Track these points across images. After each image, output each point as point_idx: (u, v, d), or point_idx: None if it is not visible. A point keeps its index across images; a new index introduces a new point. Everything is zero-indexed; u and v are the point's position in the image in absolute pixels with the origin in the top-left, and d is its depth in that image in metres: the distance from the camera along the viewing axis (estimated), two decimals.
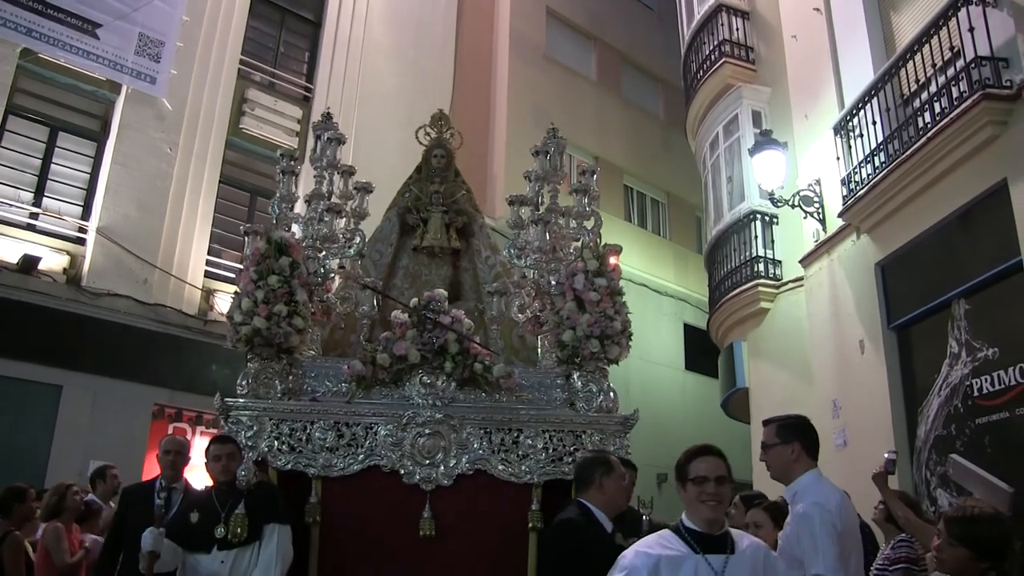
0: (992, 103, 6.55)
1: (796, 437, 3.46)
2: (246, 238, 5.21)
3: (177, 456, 5.25)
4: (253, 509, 4.26)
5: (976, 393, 7.03)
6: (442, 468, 4.71)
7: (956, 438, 7.24)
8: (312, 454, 4.70)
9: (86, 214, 10.87)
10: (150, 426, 10.62)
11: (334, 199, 5.77)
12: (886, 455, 5.20)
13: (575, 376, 5.05)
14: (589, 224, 5.60)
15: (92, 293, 10.44)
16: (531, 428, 4.81)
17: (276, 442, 4.71)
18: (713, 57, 12.11)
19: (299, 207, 5.90)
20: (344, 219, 5.76)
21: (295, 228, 5.63)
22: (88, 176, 11.09)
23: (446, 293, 5.24)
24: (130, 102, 11.33)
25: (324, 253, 5.54)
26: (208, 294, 11.64)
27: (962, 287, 7.25)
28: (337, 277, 5.71)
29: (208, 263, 11.80)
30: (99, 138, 11.31)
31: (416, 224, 6.19)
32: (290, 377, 4.99)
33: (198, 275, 11.64)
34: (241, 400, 4.78)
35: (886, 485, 5.10)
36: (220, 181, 12.18)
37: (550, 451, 4.78)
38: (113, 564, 5.01)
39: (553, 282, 5.25)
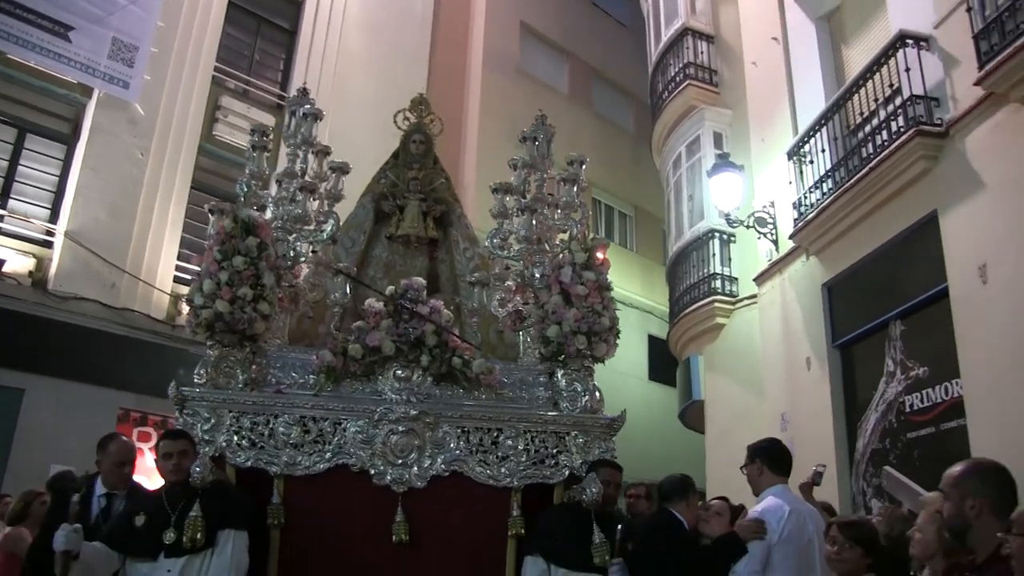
0: (925, 139, 6.92)
1: (758, 457, 4.15)
2: (211, 216, 4.77)
3: (130, 466, 4.73)
4: (208, 511, 3.82)
5: (908, 409, 7.44)
6: (416, 469, 4.40)
7: (890, 451, 7.61)
8: (275, 450, 4.35)
9: (54, 217, 10.88)
10: (115, 431, 10.65)
11: (307, 179, 5.43)
12: (814, 468, 5.50)
13: (559, 374, 4.81)
14: (576, 215, 5.35)
15: (58, 296, 10.44)
16: (512, 428, 4.53)
17: (236, 436, 4.35)
18: (678, 79, 12.43)
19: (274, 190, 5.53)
20: (317, 201, 5.44)
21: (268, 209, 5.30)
22: (57, 179, 11.11)
23: (424, 282, 4.93)
24: (102, 106, 11.32)
25: (294, 236, 5.19)
26: (177, 299, 11.66)
27: (898, 309, 7.64)
28: (306, 263, 5.39)
29: (178, 268, 11.84)
30: (69, 141, 11.31)
31: (392, 211, 5.84)
32: (253, 367, 4.61)
33: (167, 280, 11.68)
34: (199, 390, 4.41)
35: (811, 495, 5.40)
36: (192, 187, 12.18)
37: (531, 453, 4.51)
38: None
39: (538, 275, 5.02)
